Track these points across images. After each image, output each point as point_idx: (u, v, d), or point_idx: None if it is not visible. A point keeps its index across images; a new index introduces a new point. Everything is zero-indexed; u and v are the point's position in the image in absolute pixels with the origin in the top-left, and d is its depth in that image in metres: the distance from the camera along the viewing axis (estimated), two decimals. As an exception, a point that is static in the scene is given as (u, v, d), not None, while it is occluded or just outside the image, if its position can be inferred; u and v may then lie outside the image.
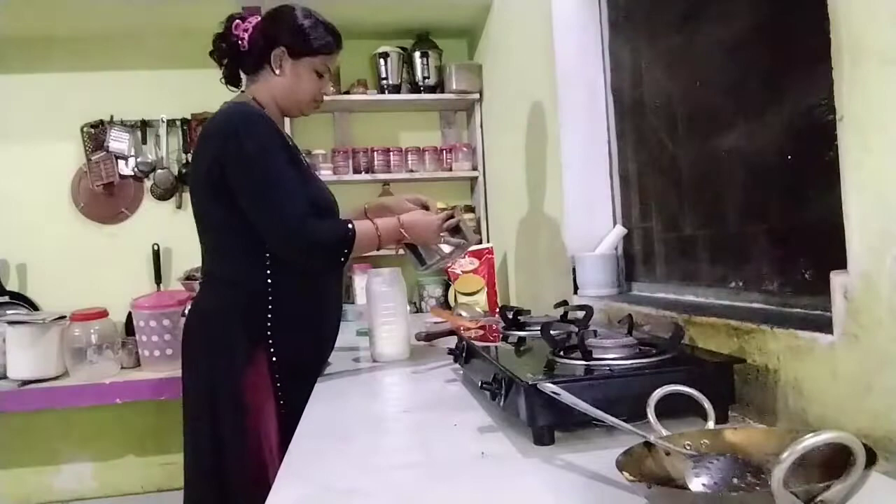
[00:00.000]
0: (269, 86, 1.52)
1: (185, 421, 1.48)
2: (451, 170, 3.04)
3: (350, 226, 1.43)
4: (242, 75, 1.59)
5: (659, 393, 0.74)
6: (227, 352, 1.41)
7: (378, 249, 1.51)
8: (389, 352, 1.59)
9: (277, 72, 1.50)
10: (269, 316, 1.43)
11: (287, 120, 2.53)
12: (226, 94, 1.58)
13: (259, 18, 1.52)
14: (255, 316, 1.42)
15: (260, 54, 1.50)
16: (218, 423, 1.40)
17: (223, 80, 1.57)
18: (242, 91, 1.57)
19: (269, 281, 1.43)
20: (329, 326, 1.59)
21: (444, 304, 2.87)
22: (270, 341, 1.43)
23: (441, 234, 1.55)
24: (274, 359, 1.43)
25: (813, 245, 1.02)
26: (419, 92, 2.99)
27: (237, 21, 1.51)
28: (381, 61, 2.94)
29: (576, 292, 1.76)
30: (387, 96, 2.96)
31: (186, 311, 1.57)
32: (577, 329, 1.05)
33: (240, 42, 1.50)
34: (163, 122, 2.97)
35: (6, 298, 2.81)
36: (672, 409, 0.74)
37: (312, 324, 1.50)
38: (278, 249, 1.40)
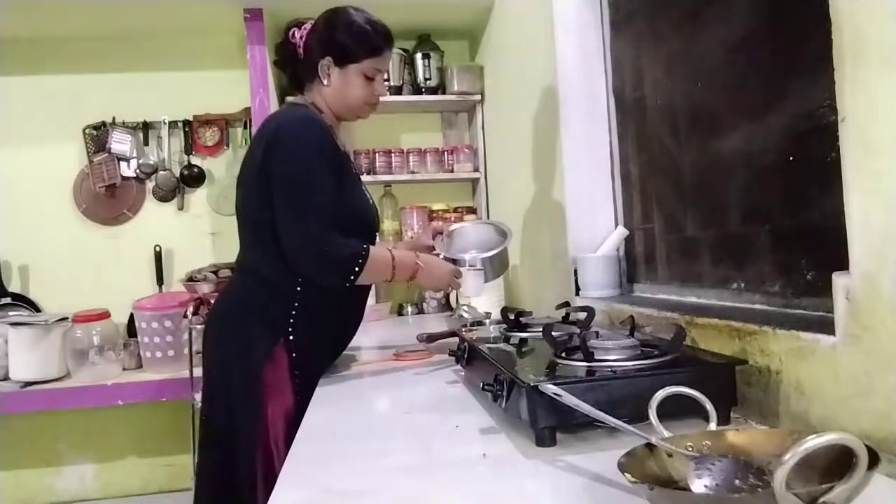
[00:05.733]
0: (321, 93, 1.56)
1: (203, 408, 1.53)
2: (452, 171, 3.04)
3: (365, 246, 1.44)
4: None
5: (661, 394, 0.74)
6: (247, 343, 1.43)
7: (392, 279, 1.52)
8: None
9: (325, 81, 1.54)
10: (294, 313, 1.45)
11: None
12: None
13: (311, 25, 1.56)
14: (280, 310, 1.45)
15: (312, 64, 1.54)
16: (232, 412, 1.42)
17: (287, 86, 1.62)
18: (304, 94, 1.60)
19: (300, 280, 1.45)
20: (350, 328, 1.63)
21: (446, 306, 2.88)
22: (291, 338, 1.45)
23: (450, 284, 1.61)
24: (293, 355, 1.45)
25: (815, 246, 1.02)
26: (421, 93, 2.99)
27: (294, 29, 1.57)
28: (383, 63, 2.94)
29: (577, 294, 1.76)
30: (388, 98, 2.95)
31: (212, 300, 1.61)
32: (578, 330, 1.05)
33: (298, 50, 1.56)
34: (165, 123, 2.96)
35: (8, 300, 2.81)
36: (674, 410, 0.75)
37: (331, 325, 1.54)
38: (292, 254, 1.40)
